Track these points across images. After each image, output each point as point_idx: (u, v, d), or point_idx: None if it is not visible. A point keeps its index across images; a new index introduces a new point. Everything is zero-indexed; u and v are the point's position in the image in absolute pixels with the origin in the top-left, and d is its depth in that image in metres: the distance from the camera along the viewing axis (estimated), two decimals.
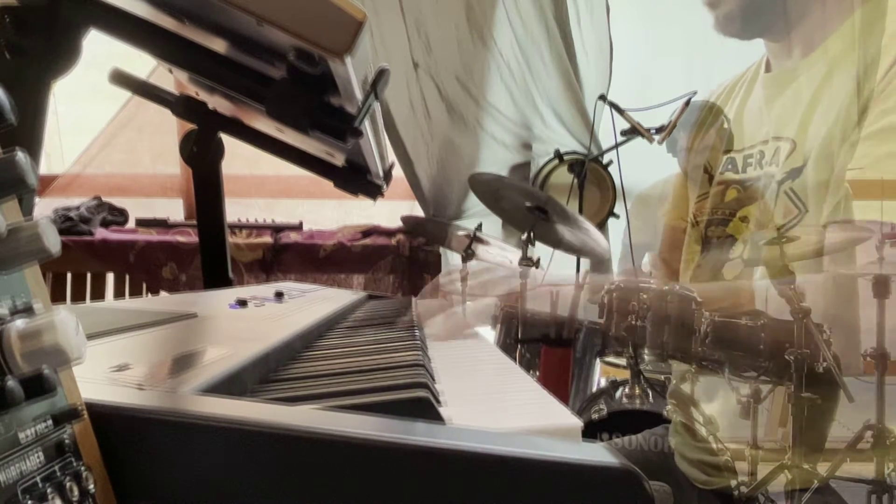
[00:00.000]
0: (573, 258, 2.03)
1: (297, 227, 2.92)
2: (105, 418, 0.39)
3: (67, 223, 2.73)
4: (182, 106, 1.28)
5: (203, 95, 1.23)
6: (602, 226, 2.61)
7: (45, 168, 2.91)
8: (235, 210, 2.84)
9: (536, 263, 1.75)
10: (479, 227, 2.17)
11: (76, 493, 0.36)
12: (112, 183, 3.07)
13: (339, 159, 1.21)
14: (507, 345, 2.03)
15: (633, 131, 1.69)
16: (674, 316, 1.09)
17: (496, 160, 2.89)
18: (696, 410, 1.19)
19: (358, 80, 0.75)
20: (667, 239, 1.54)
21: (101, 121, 3.04)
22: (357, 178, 1.29)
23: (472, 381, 0.85)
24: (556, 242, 1.81)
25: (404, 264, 2.83)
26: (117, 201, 2.96)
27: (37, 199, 2.56)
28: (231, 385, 0.56)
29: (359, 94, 0.78)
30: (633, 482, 0.37)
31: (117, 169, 3.10)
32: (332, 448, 0.38)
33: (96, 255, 2.71)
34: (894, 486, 1.05)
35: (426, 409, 0.57)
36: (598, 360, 2.17)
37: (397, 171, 1.95)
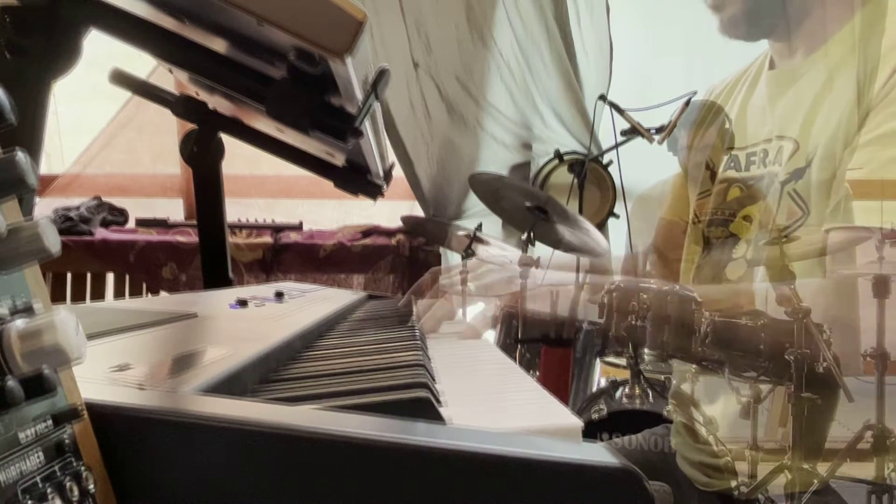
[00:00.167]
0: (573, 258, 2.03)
1: (297, 227, 2.92)
2: (105, 418, 0.39)
3: (67, 223, 2.73)
4: (182, 106, 1.28)
5: (203, 95, 1.23)
6: (602, 226, 2.61)
7: (45, 168, 2.91)
8: (235, 210, 2.84)
9: (536, 263, 1.75)
10: (479, 227, 2.16)
11: (76, 493, 0.36)
12: (112, 183, 3.07)
13: (339, 159, 1.21)
14: (507, 345, 2.03)
15: (633, 131, 1.69)
16: (674, 316, 1.09)
17: (496, 160, 2.89)
18: (696, 411, 1.19)
19: (358, 80, 0.75)
20: (662, 232, 1.54)
21: (101, 121, 3.04)
22: (357, 178, 1.29)
23: (473, 381, 0.85)
24: (556, 242, 1.80)
25: (404, 264, 2.83)
26: (117, 201, 2.96)
27: (37, 199, 2.55)
28: (231, 385, 0.56)
29: (359, 94, 0.78)
30: (633, 482, 0.37)
31: (117, 169, 3.10)
32: (332, 448, 0.38)
33: (96, 255, 2.71)
34: (894, 487, 1.05)
35: (426, 409, 0.57)
36: (598, 360, 2.17)
37: (397, 171, 1.95)
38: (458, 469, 0.37)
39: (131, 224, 2.94)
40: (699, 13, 1.33)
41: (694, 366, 1.13)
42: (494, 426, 0.57)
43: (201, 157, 1.33)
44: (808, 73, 1.25)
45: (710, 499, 1.25)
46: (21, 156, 0.34)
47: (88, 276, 2.76)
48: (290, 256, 2.81)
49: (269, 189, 3.13)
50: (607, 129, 1.77)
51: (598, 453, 0.39)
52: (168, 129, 2.69)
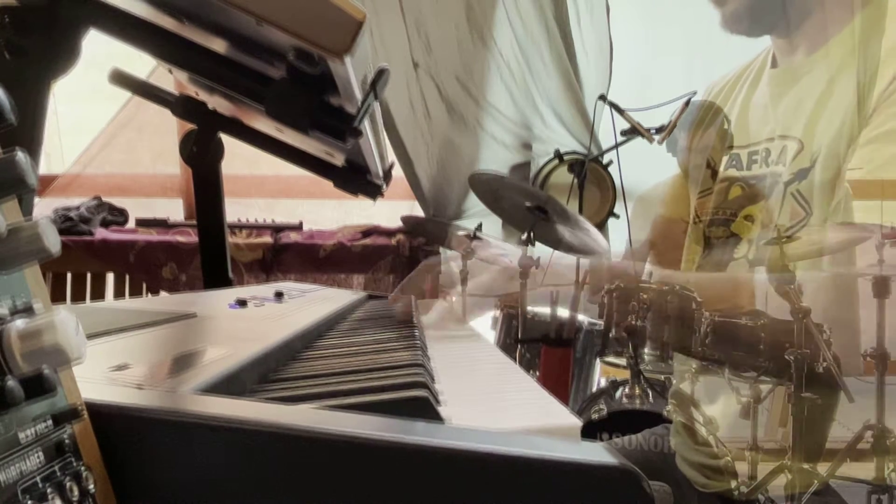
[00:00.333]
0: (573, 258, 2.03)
1: (297, 227, 2.92)
2: (105, 418, 0.39)
3: (67, 223, 2.73)
4: (182, 106, 1.28)
5: (203, 95, 1.23)
6: (602, 226, 2.61)
7: (45, 168, 2.91)
8: (235, 210, 2.84)
9: (536, 263, 1.75)
10: (479, 227, 2.16)
11: (76, 493, 0.36)
12: (112, 183, 3.07)
13: (338, 159, 1.21)
14: (507, 345, 2.04)
15: (633, 131, 1.69)
16: (674, 316, 1.09)
17: (496, 160, 2.89)
18: (696, 411, 1.19)
19: (358, 80, 0.75)
20: (659, 228, 1.54)
21: (101, 121, 3.04)
22: (357, 178, 1.29)
23: (472, 380, 0.85)
24: (556, 242, 1.80)
25: (404, 264, 2.83)
26: (117, 201, 2.96)
27: (37, 199, 2.56)
28: (231, 385, 0.56)
29: (358, 94, 0.78)
30: (633, 482, 0.37)
31: (117, 169, 3.10)
32: (331, 448, 0.38)
33: (96, 255, 2.71)
34: (894, 487, 1.05)
35: (425, 409, 0.57)
36: (598, 360, 2.17)
37: (397, 171, 1.95)
38: (457, 469, 0.37)
39: (131, 224, 2.94)
40: (699, 13, 1.33)
41: (694, 366, 1.13)
42: (494, 426, 0.57)
43: (201, 157, 1.33)
44: (811, 72, 1.25)
45: (710, 499, 1.24)
46: (21, 156, 0.34)
47: (88, 276, 2.76)
48: (289, 256, 2.81)
49: (269, 189, 3.13)
50: (607, 129, 1.76)
51: (598, 453, 0.39)
52: (168, 129, 2.69)
